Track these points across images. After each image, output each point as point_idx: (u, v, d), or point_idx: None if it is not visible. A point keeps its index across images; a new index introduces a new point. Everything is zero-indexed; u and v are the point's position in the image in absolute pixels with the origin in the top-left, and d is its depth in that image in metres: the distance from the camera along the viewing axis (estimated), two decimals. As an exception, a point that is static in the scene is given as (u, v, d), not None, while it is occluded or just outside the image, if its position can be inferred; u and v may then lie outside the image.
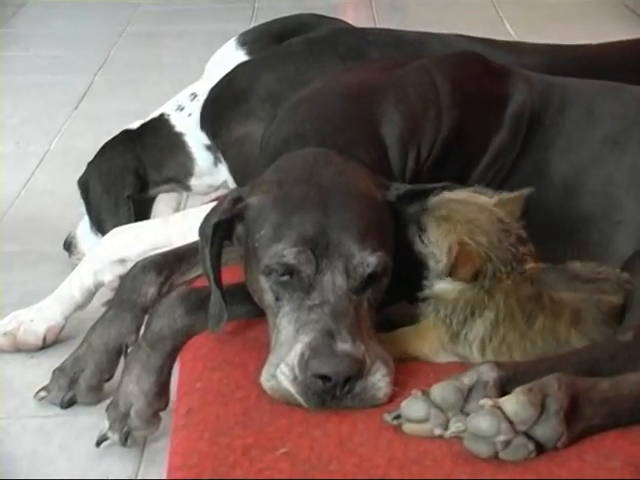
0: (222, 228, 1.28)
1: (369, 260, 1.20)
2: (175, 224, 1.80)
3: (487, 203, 1.28)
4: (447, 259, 1.23)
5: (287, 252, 1.19)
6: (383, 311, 1.29)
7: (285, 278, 1.21)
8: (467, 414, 1.09)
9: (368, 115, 1.42)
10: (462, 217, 1.26)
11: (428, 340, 1.26)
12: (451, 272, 1.23)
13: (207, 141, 1.97)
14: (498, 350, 1.23)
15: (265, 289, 1.23)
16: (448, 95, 1.47)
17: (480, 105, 1.50)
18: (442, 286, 1.26)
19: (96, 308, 1.72)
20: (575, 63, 1.80)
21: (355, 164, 1.32)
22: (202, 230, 1.32)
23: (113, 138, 2.07)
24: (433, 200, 1.29)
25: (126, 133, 2.06)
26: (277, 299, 1.22)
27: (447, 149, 1.45)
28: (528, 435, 1.06)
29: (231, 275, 1.41)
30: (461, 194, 1.30)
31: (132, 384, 1.38)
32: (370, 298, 1.23)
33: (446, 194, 1.29)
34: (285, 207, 1.23)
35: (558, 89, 1.55)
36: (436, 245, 1.26)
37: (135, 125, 2.07)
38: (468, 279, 1.23)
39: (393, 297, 1.29)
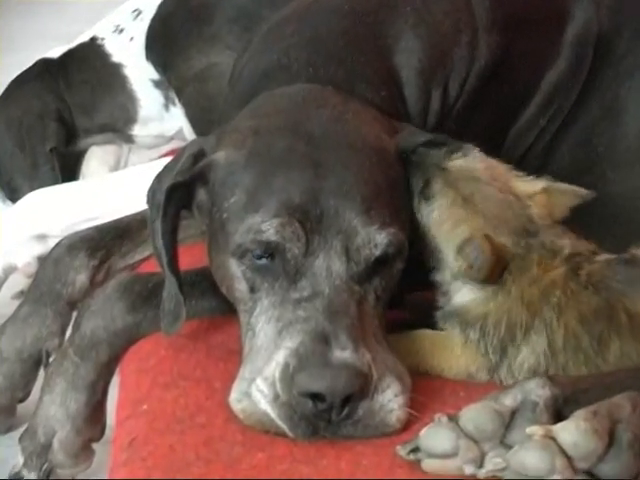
0: (178, 194, 1.28)
1: (377, 238, 1.20)
2: (113, 187, 1.81)
3: (525, 192, 1.27)
4: (458, 253, 1.23)
5: (266, 226, 1.19)
6: (400, 303, 1.29)
7: (263, 262, 1.21)
8: (509, 447, 1.09)
9: (377, 39, 1.42)
10: (488, 206, 1.25)
11: (451, 366, 1.26)
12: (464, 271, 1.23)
13: (155, 75, 1.97)
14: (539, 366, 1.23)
15: (237, 276, 1.23)
16: (486, 13, 1.47)
17: (529, 27, 1.50)
18: (462, 299, 1.26)
19: (5, 302, 1.73)
20: None
21: (359, 105, 1.32)
22: (151, 196, 1.32)
23: (26, 71, 2.06)
24: (455, 162, 1.28)
25: (44, 64, 2.06)
26: (253, 290, 1.22)
27: (484, 86, 1.45)
28: (591, 475, 1.06)
29: (190, 257, 1.41)
30: (496, 167, 1.28)
31: (55, 405, 1.38)
32: (378, 289, 1.23)
33: (476, 159, 1.28)
34: (264, 165, 1.23)
35: (636, 5, 1.55)
36: (442, 230, 1.26)
37: (56, 53, 2.07)
38: (488, 279, 1.22)
39: (410, 288, 1.29)
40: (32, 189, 1.87)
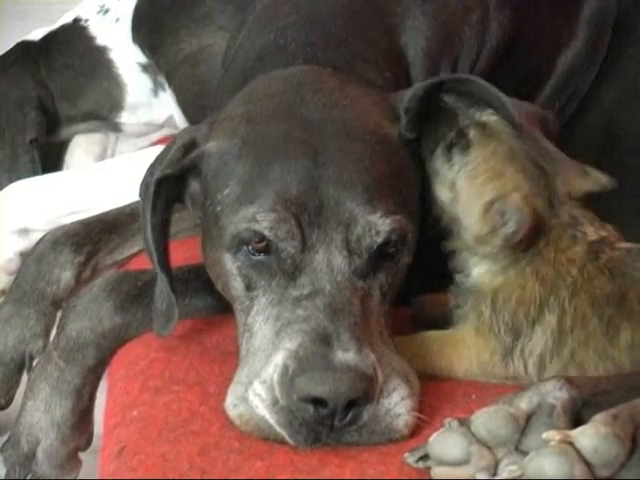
0: (169, 185, 1.28)
1: (380, 226, 1.20)
2: (99, 178, 1.80)
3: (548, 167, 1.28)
4: (486, 212, 1.22)
5: (262, 218, 1.19)
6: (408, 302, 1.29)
7: (260, 257, 1.21)
8: (525, 453, 1.09)
9: (381, 17, 1.43)
10: (528, 167, 1.25)
11: (462, 359, 1.27)
12: (488, 234, 1.23)
13: (143, 59, 1.97)
14: (564, 370, 1.23)
15: (232, 273, 1.23)
16: (498, -11, 1.48)
17: (543, 4, 1.51)
18: (478, 273, 1.27)
19: (-15, 302, 1.72)
20: None
21: (359, 88, 1.31)
22: (143, 189, 1.32)
23: (5, 55, 2.06)
24: (490, 117, 1.27)
25: (24, 48, 2.05)
26: (249, 287, 1.22)
27: (495, 68, 1.46)
28: (613, 482, 1.08)
29: (183, 253, 1.41)
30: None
31: (39, 412, 1.39)
32: (383, 285, 1.23)
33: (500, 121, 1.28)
34: (258, 154, 1.23)
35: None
36: (474, 185, 1.25)
37: (37, 35, 2.06)
38: (516, 246, 1.23)
39: (420, 284, 1.29)
40: (11, 181, 1.87)
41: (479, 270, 1.28)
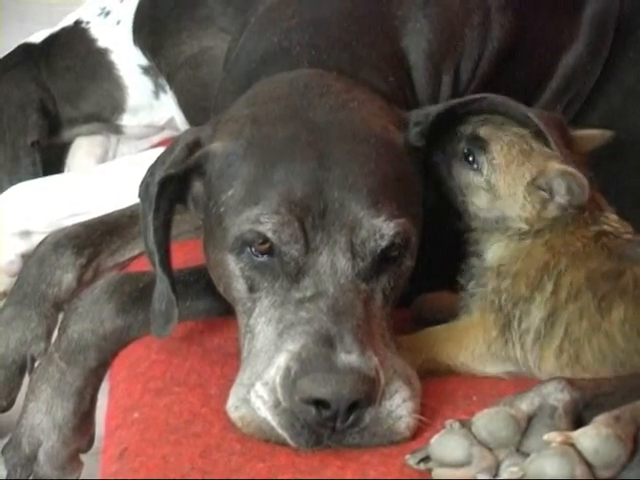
0: (172, 186, 1.28)
1: (384, 230, 1.20)
2: (101, 180, 1.80)
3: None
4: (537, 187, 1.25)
5: (265, 220, 1.19)
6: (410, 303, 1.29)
7: (263, 259, 1.21)
8: (526, 454, 1.09)
9: (383, 21, 1.42)
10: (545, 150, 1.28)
11: (469, 341, 1.28)
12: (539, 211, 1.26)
13: (144, 61, 1.97)
14: (559, 348, 1.24)
15: (235, 275, 1.23)
16: (499, -9, 1.48)
17: (545, 6, 1.51)
18: (496, 250, 1.28)
19: (-13, 304, 1.72)
20: None
21: (364, 92, 1.31)
22: (143, 189, 1.31)
23: (6, 57, 2.05)
24: (495, 116, 1.30)
25: (26, 50, 2.05)
26: (252, 289, 1.22)
27: (497, 70, 1.46)
28: (614, 483, 1.08)
29: (184, 255, 1.41)
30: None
31: (40, 414, 1.38)
32: (386, 288, 1.23)
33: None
34: (263, 155, 1.23)
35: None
36: (510, 170, 1.27)
37: (39, 37, 2.06)
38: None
39: (421, 287, 1.29)
40: (12, 184, 1.87)
41: (495, 249, 1.30)
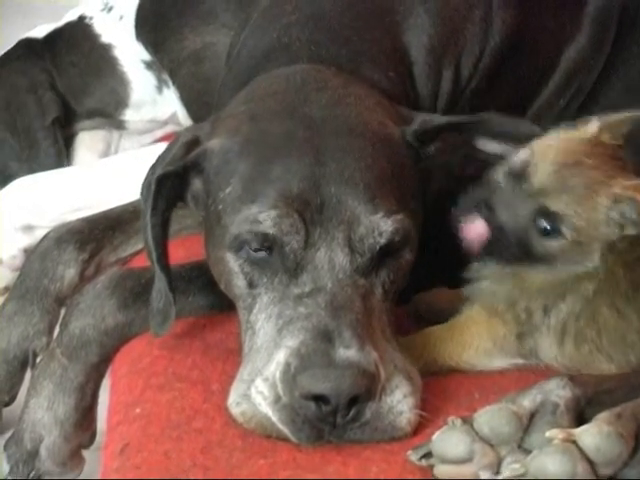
0: (170, 184, 1.28)
1: (382, 226, 1.20)
2: (103, 175, 1.80)
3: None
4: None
5: (264, 217, 1.19)
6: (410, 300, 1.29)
7: (262, 255, 1.20)
8: (528, 451, 1.09)
9: (384, 16, 1.42)
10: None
11: (472, 338, 1.27)
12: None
13: (147, 56, 1.96)
14: (580, 335, 1.23)
15: (234, 271, 1.23)
16: (501, -14, 1.47)
17: (547, 0, 1.49)
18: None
19: (-11, 299, 1.72)
20: None
21: (362, 88, 1.31)
22: (143, 187, 1.31)
23: (7, 52, 2.05)
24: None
25: (27, 44, 2.04)
26: (251, 285, 1.22)
27: (499, 65, 1.45)
28: (616, 480, 1.07)
29: (185, 250, 1.40)
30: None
31: (42, 410, 1.38)
32: (385, 283, 1.23)
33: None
34: (260, 152, 1.23)
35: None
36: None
37: (41, 32, 2.05)
38: None
39: (421, 281, 1.29)
40: (32, 171, 1.87)
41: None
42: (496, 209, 1.24)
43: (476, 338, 1.27)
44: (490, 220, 1.24)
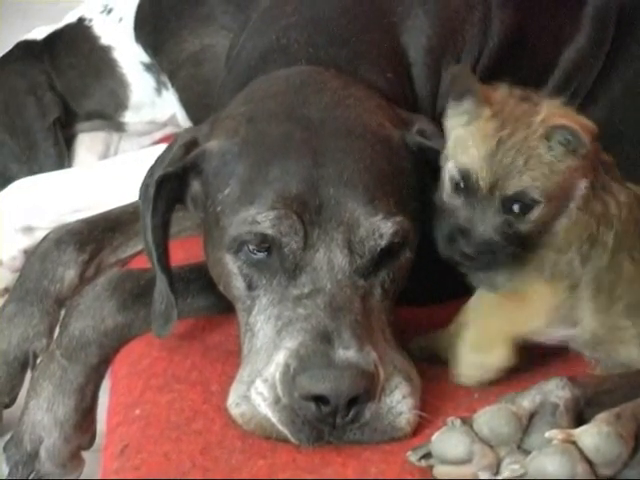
0: (169, 185, 1.28)
1: (382, 228, 1.20)
2: (103, 176, 1.80)
3: None
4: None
5: (262, 218, 1.19)
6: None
7: (261, 256, 1.20)
8: (527, 452, 1.09)
9: (382, 17, 1.42)
10: None
11: (540, 308, 1.24)
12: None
13: (146, 58, 1.96)
14: (612, 290, 1.22)
15: (233, 273, 1.23)
16: (500, -13, 1.47)
17: (546, 0, 1.49)
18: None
19: (-11, 301, 1.72)
20: None
21: (361, 89, 1.31)
22: (143, 190, 1.31)
23: (6, 54, 2.04)
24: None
25: (26, 46, 2.04)
26: (250, 287, 1.22)
27: (498, 66, 1.45)
28: (615, 481, 1.07)
29: (184, 252, 1.40)
30: None
31: (41, 411, 1.38)
32: (385, 283, 1.23)
33: None
34: (258, 154, 1.23)
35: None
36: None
37: (39, 34, 2.05)
38: None
39: (423, 281, 1.29)
40: (32, 173, 1.87)
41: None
42: (470, 228, 1.23)
43: (543, 307, 1.24)
44: (471, 242, 1.23)
